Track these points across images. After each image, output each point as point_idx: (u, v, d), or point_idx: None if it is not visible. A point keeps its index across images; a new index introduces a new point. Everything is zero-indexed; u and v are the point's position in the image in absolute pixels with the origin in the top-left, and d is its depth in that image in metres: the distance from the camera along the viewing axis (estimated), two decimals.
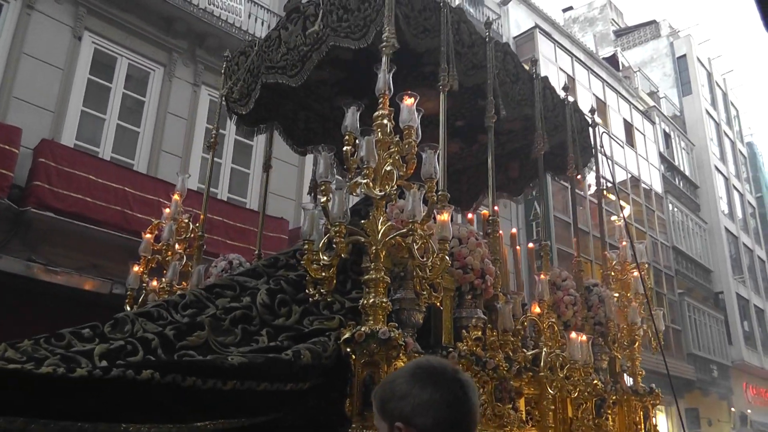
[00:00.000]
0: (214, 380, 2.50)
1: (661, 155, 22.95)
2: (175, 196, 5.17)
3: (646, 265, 5.35)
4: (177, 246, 4.90)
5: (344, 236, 2.97)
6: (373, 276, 2.98)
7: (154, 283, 4.73)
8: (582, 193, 13.17)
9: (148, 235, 4.98)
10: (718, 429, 22.62)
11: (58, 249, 8.57)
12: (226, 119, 10.80)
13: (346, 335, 2.93)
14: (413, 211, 2.97)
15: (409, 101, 3.20)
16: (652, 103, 24.42)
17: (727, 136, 29.39)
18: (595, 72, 20.17)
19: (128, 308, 4.55)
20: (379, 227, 2.98)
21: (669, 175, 23.37)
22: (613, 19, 31.49)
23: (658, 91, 26.58)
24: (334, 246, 2.95)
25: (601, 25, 30.57)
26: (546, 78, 5.33)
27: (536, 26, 18.25)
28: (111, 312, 9.00)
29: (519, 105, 4.84)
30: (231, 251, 9.69)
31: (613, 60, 24.12)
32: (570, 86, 19.98)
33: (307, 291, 3.18)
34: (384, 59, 3.51)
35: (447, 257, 3.09)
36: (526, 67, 5.17)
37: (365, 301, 2.99)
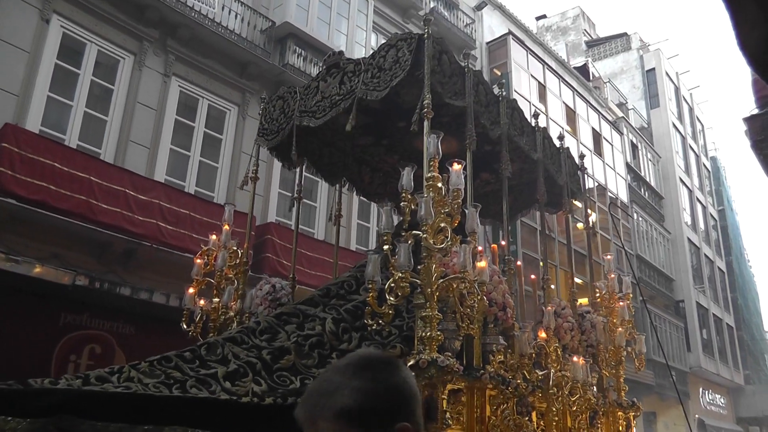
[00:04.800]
0: None
1: (627, 165, 23.95)
2: (225, 227, 5.75)
3: (631, 295, 6.34)
4: (225, 270, 5.48)
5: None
6: (429, 313, 3.69)
7: (202, 302, 5.23)
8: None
9: (199, 260, 5.59)
10: (674, 431, 23.83)
11: (20, 237, 8.65)
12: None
13: (411, 362, 3.60)
14: (464, 263, 3.71)
15: (457, 167, 3.96)
16: (620, 114, 25.50)
17: (693, 149, 30.92)
18: (565, 81, 20.99)
19: (184, 326, 5.33)
20: (433, 273, 3.70)
21: (635, 185, 24.46)
22: (585, 30, 32.76)
23: (626, 102, 27.77)
24: (393, 287, 3.68)
25: (574, 35, 31.73)
26: (545, 129, 6.26)
27: (509, 33, 18.94)
28: (72, 305, 9.06)
29: (523, 155, 5.81)
30: (197, 246, 9.87)
31: (583, 70, 25.07)
32: (541, 93, 20.48)
33: (366, 321, 3.90)
34: (426, 124, 4.29)
35: (485, 297, 3.89)
36: (531, 120, 6.13)
37: (423, 334, 3.69)
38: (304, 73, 12.97)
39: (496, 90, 5.45)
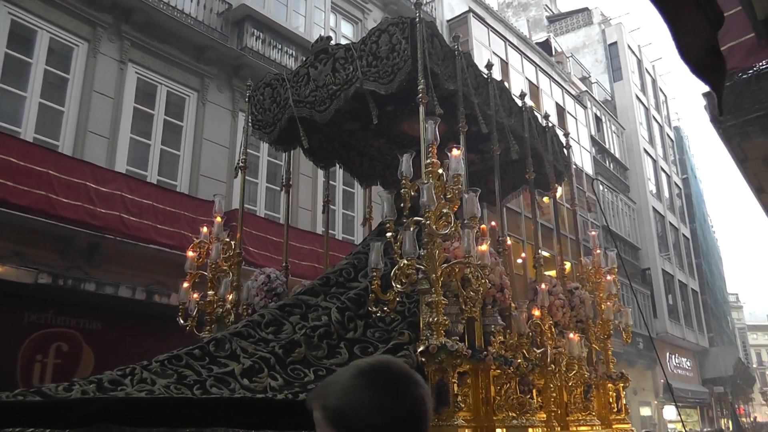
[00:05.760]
0: None
1: (592, 138, 24.27)
2: (217, 218, 5.77)
3: (616, 270, 6.45)
4: (219, 263, 5.48)
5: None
6: (435, 299, 3.79)
7: (195, 295, 5.36)
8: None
9: (191, 253, 5.59)
10: (642, 397, 25.10)
11: None
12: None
13: (421, 348, 3.72)
14: (468, 248, 3.81)
15: (456, 153, 4.03)
16: (584, 87, 25.86)
17: (656, 120, 31.68)
18: (528, 56, 21.12)
19: (181, 321, 5.36)
20: (437, 258, 3.79)
21: (600, 158, 24.87)
22: (546, 5, 33.17)
23: (590, 76, 28.21)
24: (399, 274, 3.76)
25: (535, 10, 32.06)
26: (532, 108, 6.40)
27: (470, 10, 18.92)
28: (36, 303, 8.88)
29: (512, 136, 5.82)
30: (161, 236, 9.75)
31: (546, 45, 25.29)
32: (503, 70, 20.52)
33: (370, 308, 3.95)
34: (421, 109, 4.33)
35: (487, 281, 4.00)
36: (518, 101, 6.27)
37: (430, 319, 3.78)
38: (263, 56, 12.79)
39: (484, 72, 5.51)
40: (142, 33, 11.28)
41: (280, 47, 13.37)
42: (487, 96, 5.44)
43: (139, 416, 2.71)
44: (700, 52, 2.22)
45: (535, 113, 6.53)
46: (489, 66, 5.69)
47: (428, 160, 4.01)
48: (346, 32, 15.74)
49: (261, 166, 12.56)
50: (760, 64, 7.82)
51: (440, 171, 3.95)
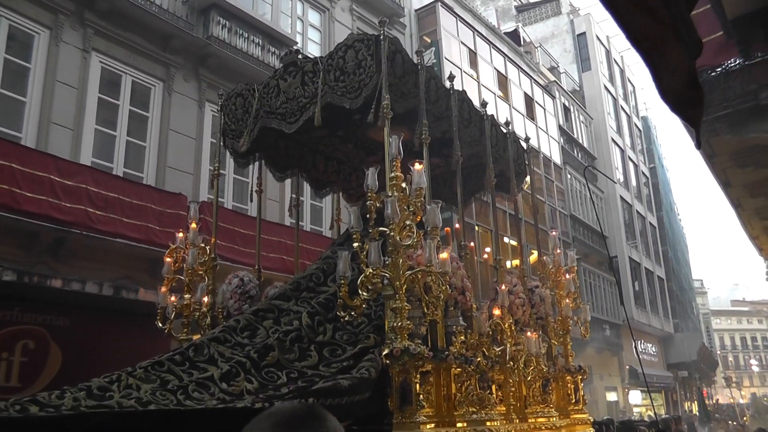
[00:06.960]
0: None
1: (560, 128, 24.65)
2: (192, 225, 6.01)
3: (576, 268, 6.85)
4: (195, 268, 5.81)
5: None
6: (399, 305, 4.10)
7: (173, 298, 5.63)
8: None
9: (168, 259, 5.86)
10: (609, 382, 25.87)
11: None
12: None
13: (386, 351, 4.06)
14: (430, 257, 4.12)
15: (418, 167, 4.33)
16: (552, 78, 26.27)
17: (624, 110, 32.36)
18: (496, 47, 21.37)
19: (160, 324, 5.66)
20: (401, 267, 4.10)
21: (568, 147, 25.28)
22: None
23: (558, 66, 28.62)
24: (365, 281, 4.08)
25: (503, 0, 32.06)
26: (492, 117, 6.69)
27: (438, 0, 18.83)
28: (2, 300, 8.78)
29: (473, 143, 6.24)
30: (128, 230, 9.74)
31: (514, 35, 25.61)
32: (472, 60, 20.72)
33: (338, 313, 4.26)
34: (386, 125, 4.65)
35: (448, 286, 4.33)
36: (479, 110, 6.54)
37: (394, 324, 4.10)
38: (230, 45, 12.75)
39: (447, 84, 5.75)
40: (105, 21, 11.19)
41: (246, 36, 13.35)
42: (449, 107, 5.73)
43: (132, 428, 2.89)
44: (680, 87, 2.31)
45: (497, 121, 6.85)
46: (451, 78, 6.00)
47: (392, 174, 4.31)
48: (313, 21, 15.75)
49: (228, 157, 12.54)
50: (729, 62, 8.12)
51: (403, 185, 4.24)
